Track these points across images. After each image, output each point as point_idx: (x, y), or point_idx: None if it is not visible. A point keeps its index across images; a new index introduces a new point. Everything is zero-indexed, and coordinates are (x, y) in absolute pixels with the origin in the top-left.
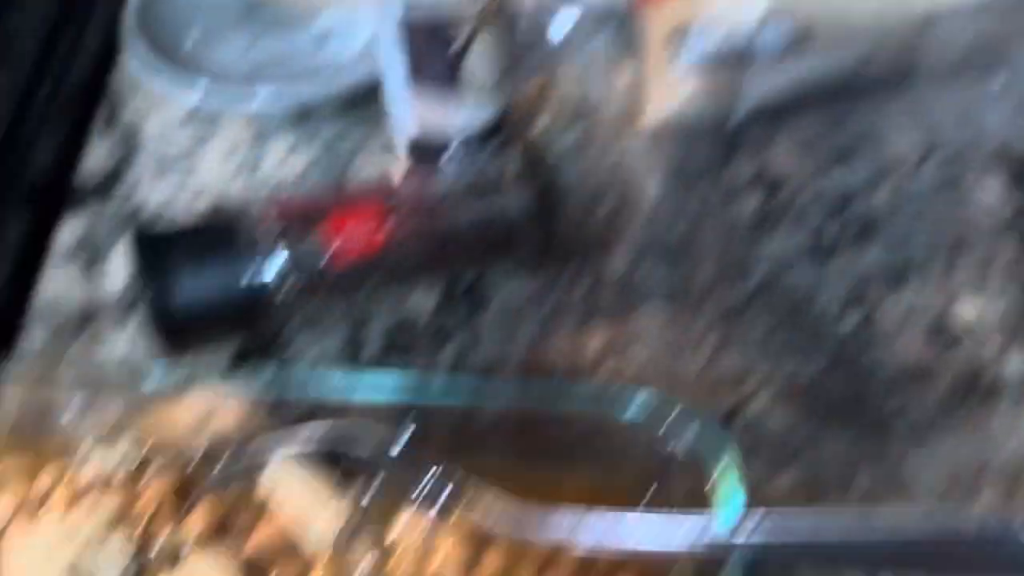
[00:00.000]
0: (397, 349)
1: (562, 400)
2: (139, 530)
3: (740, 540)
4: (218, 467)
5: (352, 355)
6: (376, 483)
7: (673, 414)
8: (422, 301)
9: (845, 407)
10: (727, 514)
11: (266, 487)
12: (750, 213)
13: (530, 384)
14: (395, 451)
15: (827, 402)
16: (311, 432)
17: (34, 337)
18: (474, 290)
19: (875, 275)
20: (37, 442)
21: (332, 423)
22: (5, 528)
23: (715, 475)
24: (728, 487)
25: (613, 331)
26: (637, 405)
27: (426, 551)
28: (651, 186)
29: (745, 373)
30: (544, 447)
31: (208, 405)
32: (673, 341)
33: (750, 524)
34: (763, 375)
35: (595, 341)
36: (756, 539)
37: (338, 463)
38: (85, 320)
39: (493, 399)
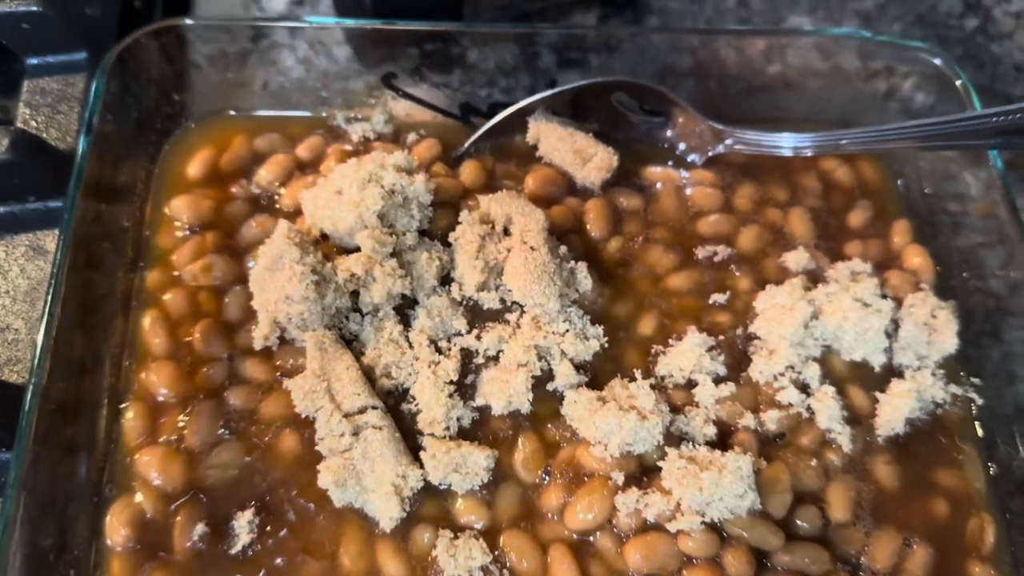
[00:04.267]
0: (569, 60)
1: None
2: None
3: None
4: (478, 131)
5: (527, 67)
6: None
7: None
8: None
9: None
10: None
11: (530, 142)
12: None
13: None
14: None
15: None
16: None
17: None
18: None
19: None
20: (286, 123)
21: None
22: (289, 181)
23: None
24: None
25: None
26: None
27: (683, 190)
28: None
29: None
30: None
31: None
32: None
33: None
34: None
35: None
36: None
37: (591, 121)
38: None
39: None
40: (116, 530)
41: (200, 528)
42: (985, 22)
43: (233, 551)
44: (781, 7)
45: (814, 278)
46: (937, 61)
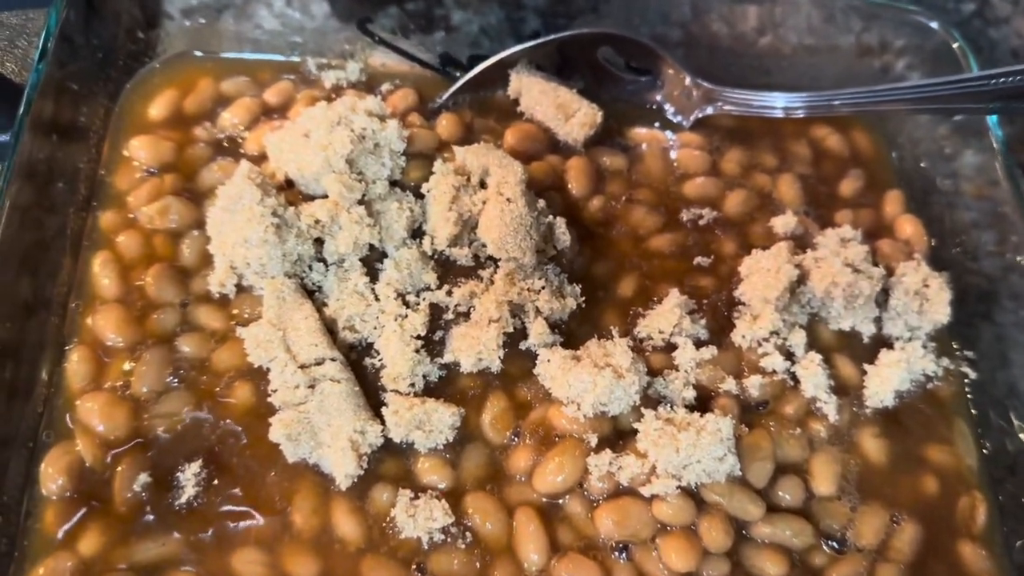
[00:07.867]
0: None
1: None
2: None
3: None
4: (459, 82)
5: (513, 31)
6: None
7: None
8: None
9: None
10: None
11: (511, 96)
12: None
13: None
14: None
15: None
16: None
17: None
18: None
19: None
20: (255, 67)
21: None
22: (254, 125)
23: None
24: None
25: None
26: None
27: (669, 152)
28: None
29: None
30: None
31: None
32: None
33: None
34: None
35: None
36: None
37: (576, 79)
38: None
39: None
40: (52, 478)
41: (143, 478)
42: (983, 7)
43: (177, 504)
44: None
45: (802, 244)
46: (934, 24)
